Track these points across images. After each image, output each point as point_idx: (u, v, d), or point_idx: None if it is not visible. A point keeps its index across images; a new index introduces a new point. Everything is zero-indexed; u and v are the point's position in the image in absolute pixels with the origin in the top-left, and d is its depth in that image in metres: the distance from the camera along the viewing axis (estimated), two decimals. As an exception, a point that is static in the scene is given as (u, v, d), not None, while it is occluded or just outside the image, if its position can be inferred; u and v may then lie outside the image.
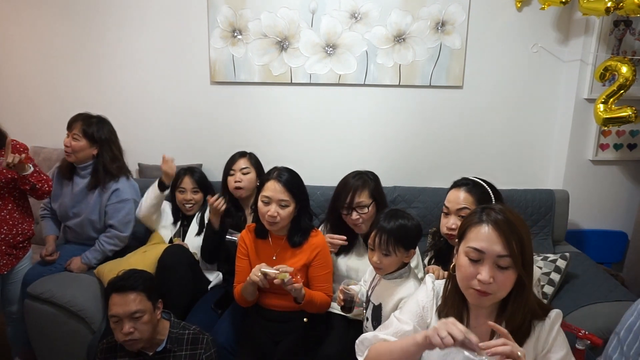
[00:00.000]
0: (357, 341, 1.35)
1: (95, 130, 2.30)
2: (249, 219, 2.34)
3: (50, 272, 2.21)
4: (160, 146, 2.86)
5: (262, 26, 2.65)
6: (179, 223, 2.45)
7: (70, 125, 2.30)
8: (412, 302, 1.32)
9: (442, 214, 1.79)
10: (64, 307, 2.08)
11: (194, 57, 2.73)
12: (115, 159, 2.35)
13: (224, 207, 2.18)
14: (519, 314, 1.14)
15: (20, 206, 2.24)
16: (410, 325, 1.25)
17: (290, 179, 1.86)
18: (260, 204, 1.85)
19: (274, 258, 1.92)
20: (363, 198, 2.00)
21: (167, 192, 2.37)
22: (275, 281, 1.69)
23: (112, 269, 2.10)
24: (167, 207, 2.49)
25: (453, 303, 1.22)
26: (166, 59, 2.75)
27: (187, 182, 2.38)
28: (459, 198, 1.73)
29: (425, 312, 1.28)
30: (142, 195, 2.42)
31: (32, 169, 2.12)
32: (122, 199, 2.32)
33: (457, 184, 1.79)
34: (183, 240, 2.39)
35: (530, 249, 1.14)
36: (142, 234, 2.49)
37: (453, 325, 1.04)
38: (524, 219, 1.19)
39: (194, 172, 2.43)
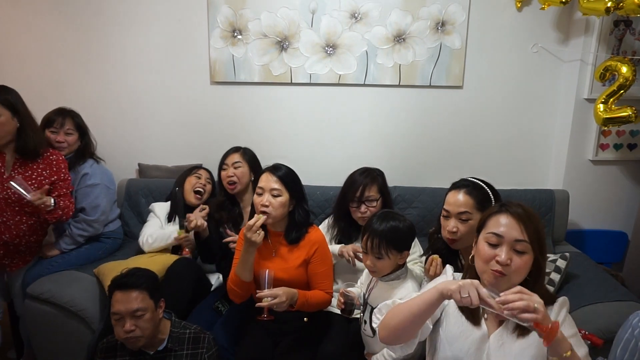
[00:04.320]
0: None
1: (82, 122, 2.44)
2: (245, 214, 2.35)
3: (49, 272, 2.21)
4: (160, 146, 2.86)
5: (262, 26, 2.65)
6: (177, 225, 2.41)
7: (58, 122, 2.34)
8: (431, 284, 1.35)
9: (442, 217, 1.76)
10: (64, 307, 2.08)
11: (194, 57, 2.73)
12: (92, 145, 2.48)
13: (199, 223, 2.16)
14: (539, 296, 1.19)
15: (34, 217, 2.20)
16: None
17: (285, 173, 1.90)
18: (254, 196, 1.89)
19: (274, 255, 1.93)
20: (372, 192, 2.11)
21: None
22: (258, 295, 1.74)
23: (113, 269, 2.11)
24: (160, 210, 2.47)
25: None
26: (166, 59, 2.75)
27: (203, 172, 2.52)
28: (459, 201, 1.70)
29: None
30: (114, 181, 2.56)
31: (52, 206, 2.09)
32: (91, 183, 2.36)
33: (456, 186, 1.77)
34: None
35: (544, 239, 1.24)
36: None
37: (475, 290, 1.11)
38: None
39: (208, 169, 2.58)
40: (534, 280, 1.23)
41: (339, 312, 1.99)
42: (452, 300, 1.28)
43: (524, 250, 1.20)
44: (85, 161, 2.40)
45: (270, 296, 1.72)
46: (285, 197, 1.86)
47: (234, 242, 2.08)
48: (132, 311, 1.61)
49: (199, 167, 2.57)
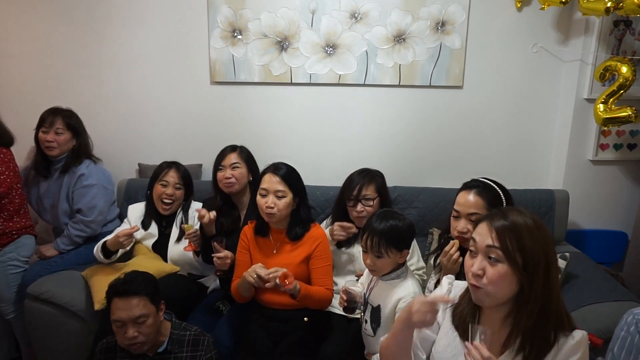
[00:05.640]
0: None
1: (74, 122, 2.41)
2: (242, 216, 2.32)
3: (48, 272, 2.22)
4: (160, 146, 2.86)
5: (262, 26, 2.65)
6: (156, 228, 2.31)
7: (49, 121, 2.35)
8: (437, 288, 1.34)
9: (452, 217, 1.75)
10: (64, 307, 2.08)
11: (194, 57, 2.73)
12: (89, 145, 2.47)
13: (213, 216, 2.09)
14: (523, 318, 1.11)
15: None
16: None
17: (287, 172, 1.91)
18: (258, 197, 1.89)
19: (275, 252, 1.93)
20: (369, 191, 2.10)
21: (114, 257, 2.20)
22: (267, 285, 1.73)
23: (102, 274, 2.12)
24: (133, 213, 2.35)
25: (467, 304, 1.22)
26: (166, 59, 2.75)
27: (172, 176, 2.27)
28: (470, 201, 1.70)
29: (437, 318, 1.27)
30: (113, 182, 2.55)
31: None
32: (87, 184, 2.36)
33: (467, 186, 1.76)
34: (160, 245, 2.28)
35: (536, 253, 1.09)
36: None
37: (425, 306, 1.13)
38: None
39: (179, 166, 2.34)
40: (518, 307, 1.12)
41: (339, 311, 2.00)
42: (446, 320, 1.25)
43: (498, 257, 1.10)
44: (82, 162, 2.39)
45: (273, 272, 1.73)
46: (289, 197, 1.87)
47: (220, 257, 2.01)
48: (134, 318, 1.58)
49: (163, 168, 2.29)
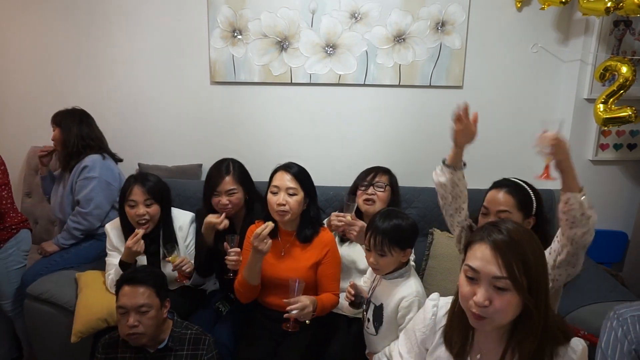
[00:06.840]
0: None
1: (59, 117, 2.41)
2: (237, 229, 2.22)
3: (48, 272, 2.22)
4: (160, 146, 2.86)
5: (262, 26, 2.65)
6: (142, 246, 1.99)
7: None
8: (410, 332, 1.28)
9: (481, 214, 1.75)
10: (64, 307, 2.08)
11: (194, 57, 2.73)
12: (76, 139, 2.39)
13: (226, 224, 1.98)
14: (526, 342, 1.05)
15: None
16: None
17: (298, 170, 1.91)
18: (269, 195, 1.88)
19: (282, 254, 1.92)
20: (383, 179, 2.18)
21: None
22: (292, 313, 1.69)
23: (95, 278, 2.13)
24: (114, 235, 2.12)
25: (459, 324, 1.16)
26: (166, 59, 2.75)
27: (137, 193, 1.99)
28: (500, 199, 1.70)
29: (424, 344, 1.25)
30: (120, 180, 2.42)
31: None
32: (88, 176, 2.35)
33: (497, 185, 1.77)
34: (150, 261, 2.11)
35: (539, 273, 1.04)
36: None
37: None
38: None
39: (146, 180, 2.04)
40: (522, 323, 1.05)
41: (340, 311, 2.00)
42: (437, 339, 1.22)
43: (506, 287, 1.02)
44: (86, 155, 2.37)
45: (298, 308, 1.67)
46: (300, 195, 1.87)
47: (233, 257, 1.91)
48: (138, 306, 1.62)
49: (129, 184, 2.03)
